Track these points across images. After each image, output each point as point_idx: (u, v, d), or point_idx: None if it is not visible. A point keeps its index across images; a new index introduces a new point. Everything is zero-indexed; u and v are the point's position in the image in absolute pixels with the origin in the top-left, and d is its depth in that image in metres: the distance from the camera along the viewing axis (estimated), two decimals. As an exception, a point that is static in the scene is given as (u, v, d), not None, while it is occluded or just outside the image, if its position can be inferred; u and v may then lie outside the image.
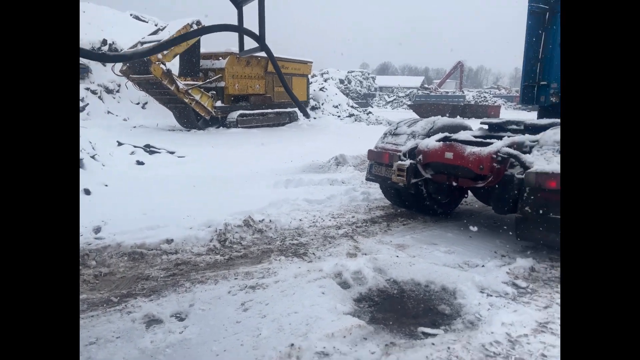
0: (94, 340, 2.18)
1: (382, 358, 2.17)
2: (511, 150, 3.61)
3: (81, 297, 2.67)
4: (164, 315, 2.50)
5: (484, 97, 49.25)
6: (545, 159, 3.32)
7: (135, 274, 3.09)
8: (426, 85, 61.74)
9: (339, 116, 23.53)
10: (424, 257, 3.58)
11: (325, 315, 2.54)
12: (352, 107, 26.05)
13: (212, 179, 6.73)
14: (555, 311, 2.65)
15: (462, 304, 2.75)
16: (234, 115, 15.55)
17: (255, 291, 2.86)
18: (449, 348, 2.24)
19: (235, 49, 16.11)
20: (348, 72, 51.69)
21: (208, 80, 15.43)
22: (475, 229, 4.27)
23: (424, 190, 4.57)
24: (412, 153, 4.39)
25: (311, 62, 20.75)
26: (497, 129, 4.71)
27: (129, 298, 2.70)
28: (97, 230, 3.76)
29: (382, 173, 4.73)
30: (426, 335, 2.42)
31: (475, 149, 3.77)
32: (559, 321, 2.53)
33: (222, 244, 3.72)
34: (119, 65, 14.46)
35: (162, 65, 13.49)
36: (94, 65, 18.80)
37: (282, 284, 2.98)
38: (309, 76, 21.65)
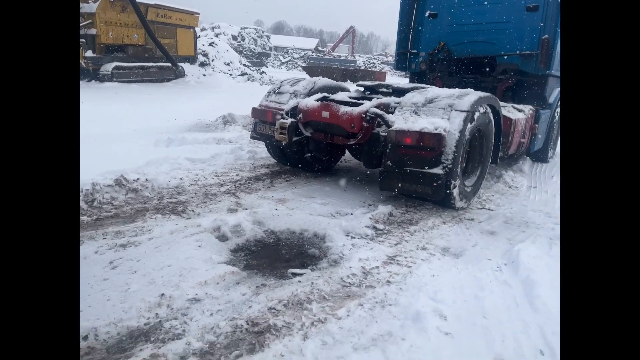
0: None
1: (252, 298, 2.36)
2: (377, 111, 3.99)
3: None
4: (15, 279, 2.30)
5: (373, 63, 51.81)
6: (404, 118, 3.76)
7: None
8: (320, 49, 62.36)
9: (231, 74, 22.59)
10: (302, 209, 3.84)
11: (200, 265, 2.62)
12: (245, 65, 25.18)
13: (86, 137, 6.03)
14: (403, 247, 3.14)
15: (329, 247, 3.08)
16: (108, 67, 13.86)
17: (126, 249, 2.79)
18: (312, 283, 2.53)
19: (106, -10, 14.11)
20: (241, 29, 49.22)
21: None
22: (344, 183, 4.68)
23: (306, 148, 4.81)
24: (294, 112, 4.55)
25: (198, 14, 19.29)
26: (370, 91, 5.12)
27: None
28: None
29: (266, 131, 4.82)
30: (295, 275, 2.68)
31: (348, 109, 4.08)
32: (405, 254, 3.01)
33: (89, 205, 3.47)
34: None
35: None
36: None
37: (156, 240, 2.95)
38: (196, 29, 20.15)
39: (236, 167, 5.08)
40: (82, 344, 1.84)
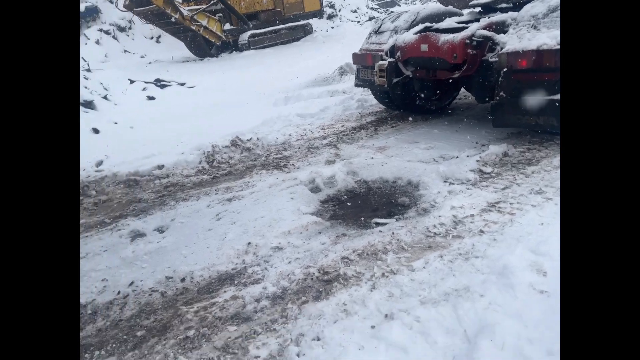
0: (83, 255, 2.57)
1: (330, 247, 2.39)
2: (485, 32, 3.36)
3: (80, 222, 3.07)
4: (147, 229, 2.85)
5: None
6: (519, 36, 3.08)
7: (130, 198, 3.44)
8: (459, -30, 54.83)
9: (358, 21, 22.04)
10: (401, 156, 3.63)
11: (287, 216, 2.76)
12: (371, 9, 24.17)
13: (215, 105, 6.87)
14: (512, 191, 2.69)
15: (422, 195, 2.86)
16: (244, 37, 15.08)
17: (231, 203, 3.12)
18: (393, 233, 2.41)
19: (234, -38, 15.05)
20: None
21: (212, 1, 14.80)
22: (457, 123, 4.18)
23: (412, 88, 4.44)
24: (392, 50, 4.20)
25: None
26: (486, 10, 4.32)
27: (120, 219, 3.06)
28: (99, 164, 4.12)
29: (368, 76, 4.61)
30: (378, 224, 2.59)
31: (449, 37, 3.54)
32: (511, 200, 2.59)
33: (210, 165, 3.97)
34: (122, 1, 14.15)
35: (161, -7, 13.03)
36: (102, 4, 18.52)
37: (256, 194, 3.21)
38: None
39: (343, 118, 5.06)
40: (179, 285, 2.19)
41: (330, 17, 21.81)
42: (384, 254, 2.23)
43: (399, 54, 4.04)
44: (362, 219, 2.72)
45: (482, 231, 2.29)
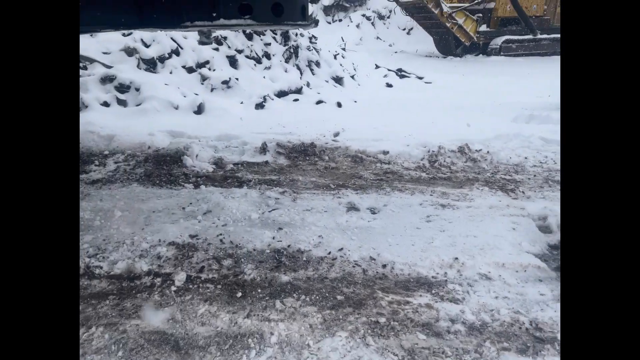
0: (308, 209, 2.95)
1: (550, 302, 2.03)
2: None
3: (310, 179, 3.54)
4: (361, 206, 3.05)
5: None
6: None
7: (353, 172, 3.75)
8: None
9: None
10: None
11: (505, 247, 2.49)
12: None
13: (450, 106, 6.73)
14: None
15: None
16: (497, 41, 14.14)
17: (445, 209, 3.02)
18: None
19: (513, -39, 14.03)
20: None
21: (476, 1, 14.31)
22: None
23: None
24: None
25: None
26: None
27: (342, 188, 3.37)
28: (336, 134, 4.62)
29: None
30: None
31: None
32: None
33: (431, 164, 3.93)
34: (390, -9, 15.23)
35: (428, -12, 13.37)
36: (372, -8, 20.43)
37: (473, 210, 3.01)
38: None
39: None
40: (380, 269, 2.27)
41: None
42: (626, 343, 1.75)
43: None
44: (602, 287, 2.19)
45: None
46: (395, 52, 15.99)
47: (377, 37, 19.22)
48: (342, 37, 14.80)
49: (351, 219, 2.84)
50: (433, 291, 2.12)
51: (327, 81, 7.68)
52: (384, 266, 2.30)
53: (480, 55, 14.63)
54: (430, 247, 2.50)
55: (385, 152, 4.08)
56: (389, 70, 10.24)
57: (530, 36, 14.53)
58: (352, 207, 3.04)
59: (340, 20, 20.23)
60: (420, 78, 9.97)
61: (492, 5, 14.24)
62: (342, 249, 2.44)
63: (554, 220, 2.83)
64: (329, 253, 2.40)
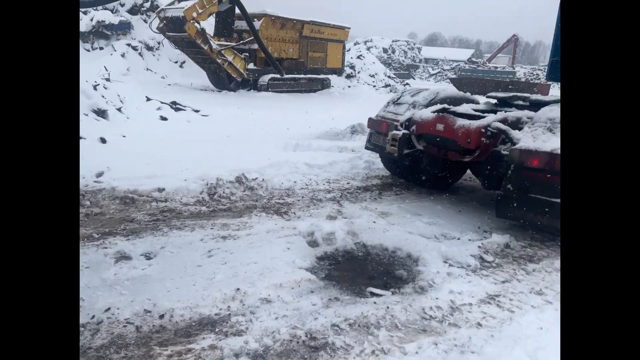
0: (64, 266, 2.44)
1: (321, 310, 2.29)
2: (501, 125, 3.47)
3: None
4: (134, 253, 2.73)
5: (537, 74, 46.08)
6: (533, 136, 3.18)
7: (123, 216, 3.35)
8: (474, 59, 58.40)
9: (374, 86, 23.02)
10: (403, 226, 3.60)
11: (281, 267, 2.67)
12: (389, 77, 25.34)
13: (225, 138, 6.94)
14: (512, 286, 2.64)
15: (420, 271, 2.79)
16: (265, 78, 15.62)
17: (226, 241, 3.04)
18: (387, 307, 2.32)
19: (270, 10, 15.98)
20: (393, 41, 49.85)
21: (242, 41, 15.49)
22: (461, 203, 4.21)
23: (420, 162, 4.52)
24: (409, 123, 4.32)
25: (349, 28, 20.21)
26: (503, 104, 4.51)
27: (109, 236, 2.95)
28: (99, 175, 4.05)
29: (380, 142, 4.70)
30: (373, 294, 2.50)
31: (466, 122, 3.66)
32: (511, 296, 2.52)
33: (210, 197, 3.92)
34: (156, 23, 14.79)
35: (196, 24, 13.65)
36: (135, 21, 19.33)
37: (253, 237, 3.14)
38: (346, 43, 21.14)
39: (349, 176, 5.09)
40: (157, 321, 2.06)
41: (349, 76, 22.79)
42: (376, 328, 2.13)
43: (414, 127, 4.16)
44: (357, 285, 2.63)
45: (480, 324, 2.21)
46: (169, 85, 15.51)
47: (147, 69, 18.21)
48: (105, 67, 13.34)
49: (121, 271, 2.50)
50: (217, 329, 2.06)
51: (86, 114, 6.71)
52: (162, 316, 2.10)
53: (252, 90, 15.84)
54: (213, 283, 2.45)
55: (161, 190, 3.82)
56: (162, 102, 9.80)
57: (292, 75, 16.74)
58: (122, 257, 2.69)
59: (101, 49, 18.25)
60: (197, 111, 9.95)
61: (256, 46, 15.71)
62: (109, 309, 2.10)
63: (319, 234, 3.25)
64: (93, 317, 2.03)
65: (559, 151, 2.92)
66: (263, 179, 4.43)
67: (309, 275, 2.62)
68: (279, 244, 3.01)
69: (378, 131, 4.72)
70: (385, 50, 46.46)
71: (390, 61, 44.72)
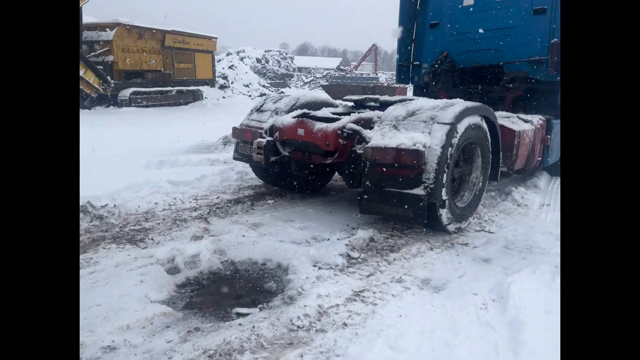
0: None
1: (177, 346, 2.02)
2: (354, 126, 3.64)
3: None
4: None
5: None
6: (382, 134, 3.39)
7: None
8: (342, 67, 62.78)
9: (249, 95, 22.92)
10: (275, 235, 3.51)
11: (131, 305, 2.32)
12: (263, 86, 25.53)
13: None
14: (375, 279, 2.73)
15: (290, 280, 2.72)
16: (125, 93, 14.25)
17: (61, 285, 2.53)
18: (253, 327, 2.17)
19: (124, 19, 14.65)
20: (265, 52, 50.53)
21: (93, 53, 13.86)
22: (332, 205, 4.32)
23: (289, 167, 4.51)
24: (272, 130, 4.27)
25: (215, 38, 19.73)
26: (358, 106, 4.78)
27: None
28: None
29: (247, 151, 4.56)
30: (239, 315, 2.33)
31: (323, 125, 3.76)
32: (374, 288, 2.60)
33: (45, 234, 3.28)
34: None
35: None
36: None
37: (97, 274, 2.69)
38: (215, 53, 20.60)
39: (220, 190, 4.83)
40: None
41: (222, 87, 22.26)
42: (240, 354, 1.96)
43: (277, 134, 4.12)
44: (223, 308, 2.42)
45: (345, 324, 2.21)
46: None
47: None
48: None
49: None
50: (38, 400, 1.65)
51: None
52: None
53: (111, 106, 14.28)
54: (36, 341, 1.98)
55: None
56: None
57: (157, 88, 15.56)
58: None
59: None
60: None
61: (111, 58, 14.21)
62: None
63: (181, 259, 2.95)
64: None
65: (404, 146, 3.15)
66: (115, 205, 3.90)
67: (164, 308, 2.32)
68: (129, 278, 2.63)
69: (244, 140, 4.58)
70: (258, 60, 46.80)
71: (264, 71, 45.23)
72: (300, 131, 3.85)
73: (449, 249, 3.25)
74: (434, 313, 2.31)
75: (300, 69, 59.76)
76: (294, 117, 4.09)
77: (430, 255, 3.12)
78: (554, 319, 2.25)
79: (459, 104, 3.42)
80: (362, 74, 51.56)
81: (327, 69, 57.67)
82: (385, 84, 42.55)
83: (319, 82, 50.19)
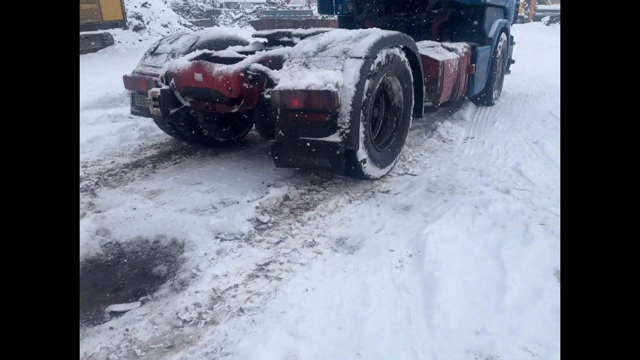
0: None
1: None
2: (260, 66, 3.10)
3: None
4: None
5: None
6: (290, 74, 2.90)
7: None
8: (272, 1, 58.70)
9: (170, 37, 20.67)
10: (174, 203, 3.03)
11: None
12: (185, 25, 23.12)
13: None
14: (285, 245, 2.41)
15: (185, 259, 2.31)
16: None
17: None
18: (127, 330, 1.78)
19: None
20: (186, -15, 45.55)
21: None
22: (248, 159, 3.87)
23: (197, 120, 3.92)
24: (167, 77, 3.60)
25: (120, -30, 17.07)
26: (271, 42, 4.17)
27: None
28: None
29: (145, 104, 3.88)
30: (114, 315, 1.92)
31: (223, 68, 3.17)
32: (282, 258, 2.28)
33: None
34: None
35: None
36: None
37: None
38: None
39: (117, 152, 4.16)
40: None
41: (137, 29, 19.77)
42: (103, 369, 1.57)
43: (172, 81, 3.47)
44: (95, 306, 1.99)
45: (242, 310, 1.88)
46: None
47: None
48: None
49: None
50: None
51: None
52: None
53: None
54: None
55: None
56: None
57: None
58: None
59: None
60: None
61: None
62: None
63: (50, 247, 2.41)
64: None
65: (314, 87, 2.70)
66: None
67: (12, 319, 1.84)
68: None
69: (139, 91, 3.86)
70: (180, -4, 42.25)
71: (188, 7, 41.05)
72: (198, 76, 3.23)
73: (369, 199, 2.99)
74: (344, 281, 2.05)
75: (228, 5, 55.03)
76: (191, 60, 3.43)
77: (349, 210, 2.83)
78: (470, 264, 2.08)
79: (374, 34, 2.98)
80: (294, 7, 48.60)
81: (257, 3, 53.62)
82: (320, 17, 40.64)
83: (249, 18, 46.76)
